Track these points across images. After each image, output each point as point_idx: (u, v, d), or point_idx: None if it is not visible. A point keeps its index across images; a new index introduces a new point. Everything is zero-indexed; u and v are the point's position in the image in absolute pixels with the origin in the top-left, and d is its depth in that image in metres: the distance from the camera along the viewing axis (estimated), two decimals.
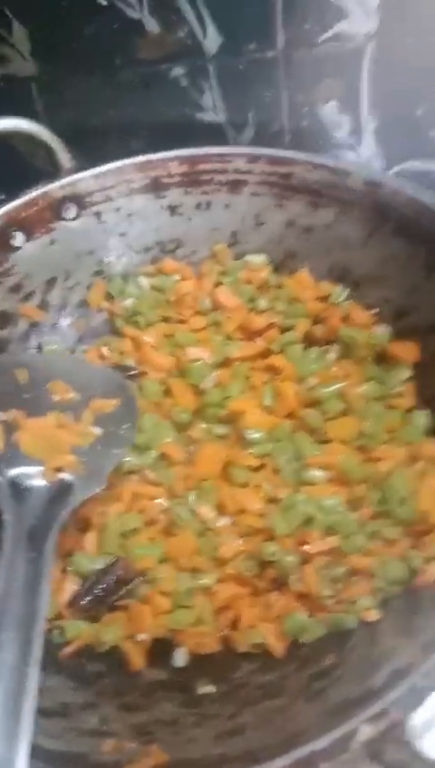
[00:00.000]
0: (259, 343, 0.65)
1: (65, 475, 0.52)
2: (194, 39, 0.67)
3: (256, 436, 0.59)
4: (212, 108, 0.72)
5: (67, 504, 0.50)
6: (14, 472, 0.51)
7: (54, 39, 0.70)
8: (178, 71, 0.70)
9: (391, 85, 0.70)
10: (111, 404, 0.57)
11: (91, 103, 0.74)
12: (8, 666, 0.38)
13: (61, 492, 0.51)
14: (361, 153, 0.75)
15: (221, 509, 0.57)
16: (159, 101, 0.73)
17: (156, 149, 0.67)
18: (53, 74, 0.73)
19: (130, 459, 0.58)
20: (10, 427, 0.54)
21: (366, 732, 0.35)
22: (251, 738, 0.41)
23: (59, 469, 0.52)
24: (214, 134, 0.75)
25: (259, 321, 0.66)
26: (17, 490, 0.50)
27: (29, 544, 0.46)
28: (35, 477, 0.51)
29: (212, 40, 0.67)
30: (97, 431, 0.55)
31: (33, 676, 0.38)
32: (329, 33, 0.66)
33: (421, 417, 0.58)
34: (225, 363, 0.64)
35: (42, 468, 0.52)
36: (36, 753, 0.39)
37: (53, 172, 0.65)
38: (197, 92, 0.71)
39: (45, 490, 0.51)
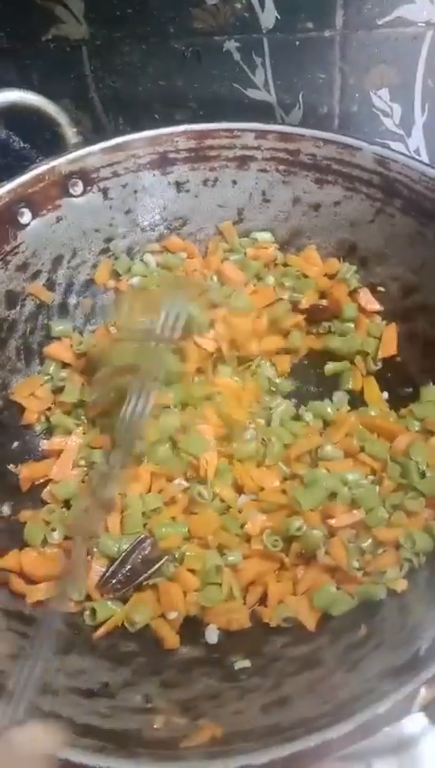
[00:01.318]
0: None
1: None
2: (251, 12, 0.66)
3: None
4: (263, 84, 0.71)
5: None
6: None
7: (109, 2, 0.68)
8: (231, 44, 0.69)
9: None
10: None
11: (141, 71, 0.73)
12: None
13: None
14: (409, 145, 0.74)
15: (239, 488, 0.57)
16: (210, 74, 0.72)
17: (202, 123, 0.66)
18: (104, 39, 0.71)
19: None
20: None
21: (424, 695, 0.36)
22: (300, 708, 0.41)
23: None
24: (262, 112, 0.74)
25: (267, 295, 0.66)
26: None
27: None
28: None
29: (269, 14, 0.66)
30: None
31: None
32: (390, 17, 0.65)
33: (432, 392, 0.59)
34: None
35: None
36: (91, 732, 0.39)
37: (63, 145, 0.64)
38: (249, 67, 0.70)
39: None
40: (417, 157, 0.64)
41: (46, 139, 0.76)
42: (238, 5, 0.66)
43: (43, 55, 0.73)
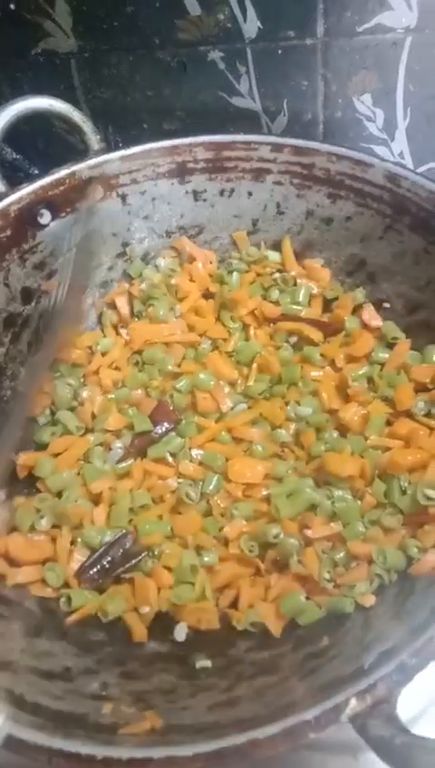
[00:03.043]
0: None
1: None
2: (234, 22, 0.68)
3: None
4: (248, 92, 0.72)
5: None
6: None
7: (96, 16, 0.70)
8: (216, 53, 0.71)
9: (426, 82, 0.70)
10: None
11: (128, 82, 0.75)
12: None
13: None
14: (392, 149, 0.75)
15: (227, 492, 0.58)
16: (196, 84, 0.74)
17: (189, 132, 0.68)
18: (92, 51, 0.74)
19: None
20: None
21: (354, 706, 0.36)
22: (244, 709, 0.42)
23: None
24: (247, 120, 0.75)
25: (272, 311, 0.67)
26: None
27: None
28: None
29: (252, 24, 0.68)
30: None
31: None
32: (370, 24, 0.66)
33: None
34: None
35: None
36: (39, 711, 0.41)
37: (86, 150, 0.67)
38: (233, 76, 0.72)
39: None
40: (408, 166, 0.63)
41: (39, 150, 0.80)
42: (221, 16, 0.67)
43: (34, 68, 0.76)
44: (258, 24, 0.68)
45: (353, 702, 0.36)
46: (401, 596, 0.48)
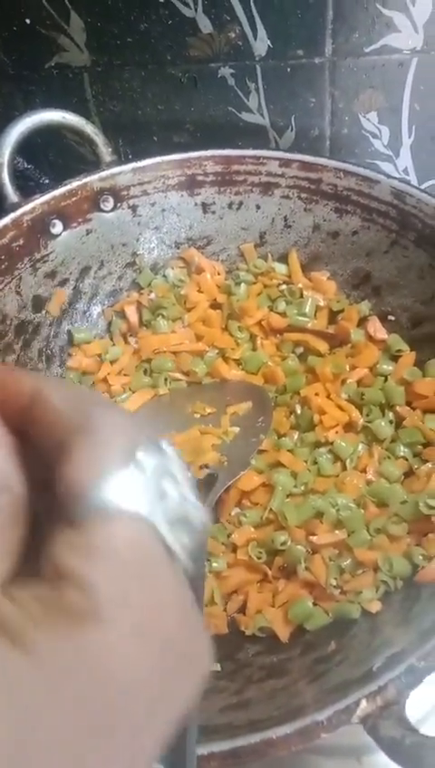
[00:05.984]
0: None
1: (210, 469, 0.59)
2: (244, 41, 0.69)
3: None
4: (257, 108, 0.74)
5: (215, 490, 0.56)
6: None
7: (109, 32, 0.71)
8: (226, 70, 0.72)
9: (431, 101, 0.72)
10: (243, 407, 0.63)
11: (140, 96, 0.76)
12: None
13: (209, 482, 0.57)
14: (397, 165, 0.77)
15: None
16: (206, 99, 0.75)
17: (198, 146, 0.69)
18: (105, 66, 0.75)
19: None
20: None
21: (364, 707, 0.37)
22: (255, 711, 0.43)
23: (205, 465, 0.59)
24: (256, 135, 0.76)
25: (278, 322, 0.68)
26: None
27: None
28: None
29: (262, 42, 0.69)
30: (235, 429, 0.62)
31: None
32: (376, 45, 0.68)
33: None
34: None
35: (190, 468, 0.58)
36: None
37: (97, 161, 0.68)
38: (243, 92, 0.73)
39: (195, 482, 0.55)
40: (412, 182, 0.65)
41: (49, 160, 0.81)
42: (232, 34, 0.68)
43: (47, 81, 0.77)
44: (268, 42, 0.69)
45: (364, 703, 0.38)
46: (407, 602, 0.49)
